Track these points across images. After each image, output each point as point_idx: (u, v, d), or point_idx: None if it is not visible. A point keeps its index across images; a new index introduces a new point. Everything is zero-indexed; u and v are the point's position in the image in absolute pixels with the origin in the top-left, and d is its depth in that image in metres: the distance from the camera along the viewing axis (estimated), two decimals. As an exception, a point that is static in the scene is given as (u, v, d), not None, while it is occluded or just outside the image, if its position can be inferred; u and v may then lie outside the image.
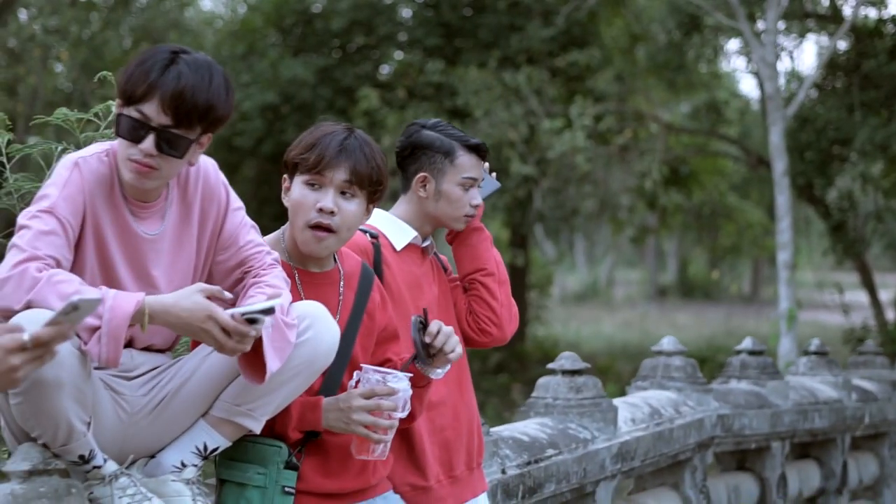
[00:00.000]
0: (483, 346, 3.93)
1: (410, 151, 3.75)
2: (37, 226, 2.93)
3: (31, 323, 2.52)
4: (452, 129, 3.81)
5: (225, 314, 2.88)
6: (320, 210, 3.21)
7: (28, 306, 2.75)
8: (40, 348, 2.28)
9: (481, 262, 3.87)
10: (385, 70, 19.79)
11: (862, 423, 7.59)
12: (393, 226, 3.72)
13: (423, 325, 3.25)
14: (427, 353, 3.25)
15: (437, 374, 3.33)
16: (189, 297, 2.89)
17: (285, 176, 3.31)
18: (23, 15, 21.82)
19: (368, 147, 3.28)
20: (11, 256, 2.86)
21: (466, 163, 3.73)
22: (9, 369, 2.26)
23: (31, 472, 2.85)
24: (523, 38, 18.26)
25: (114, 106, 3.91)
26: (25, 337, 2.28)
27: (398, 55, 19.47)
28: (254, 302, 3.01)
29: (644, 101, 20.65)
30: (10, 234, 3.91)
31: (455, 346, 3.25)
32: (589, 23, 18.95)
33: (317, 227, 3.23)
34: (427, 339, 3.23)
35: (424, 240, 3.79)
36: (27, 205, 3.91)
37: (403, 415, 3.21)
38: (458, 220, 3.77)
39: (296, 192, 3.25)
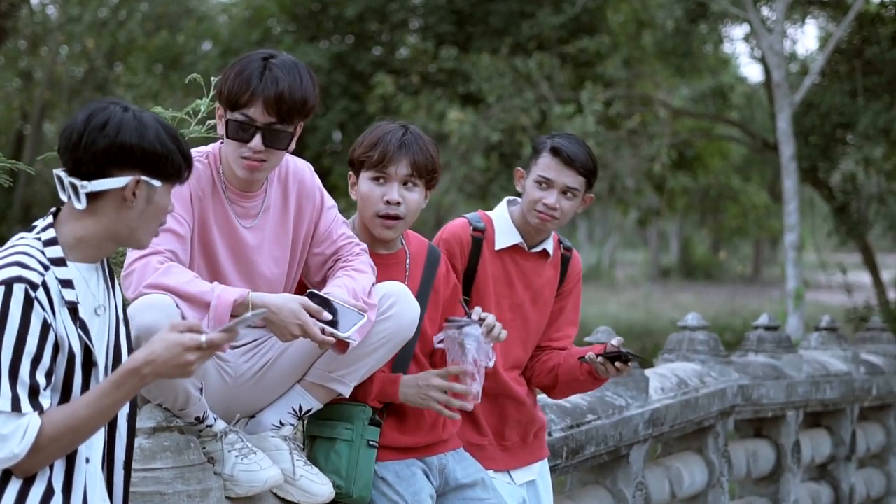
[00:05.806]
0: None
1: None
2: None
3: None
4: (562, 136, 3.96)
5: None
6: (388, 202, 3.59)
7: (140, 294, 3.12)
8: (212, 349, 2.53)
9: (574, 372, 4.02)
10: (400, 55, 19.87)
11: (870, 395, 7.79)
12: (504, 225, 3.98)
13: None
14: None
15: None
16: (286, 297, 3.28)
17: (351, 172, 3.68)
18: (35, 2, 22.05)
19: (422, 141, 3.66)
20: (133, 252, 3.20)
21: (543, 163, 3.90)
22: (185, 363, 2.51)
23: (156, 428, 3.23)
24: (534, 25, 18.36)
25: (202, 105, 4.32)
26: (203, 339, 2.51)
27: (411, 40, 19.55)
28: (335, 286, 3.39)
29: (651, 85, 20.76)
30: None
31: (499, 330, 3.59)
32: (597, 10, 19.06)
33: (385, 216, 3.61)
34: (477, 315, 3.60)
35: (537, 244, 4.00)
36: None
37: (488, 364, 3.57)
38: (530, 214, 3.92)
39: (364, 187, 3.62)
